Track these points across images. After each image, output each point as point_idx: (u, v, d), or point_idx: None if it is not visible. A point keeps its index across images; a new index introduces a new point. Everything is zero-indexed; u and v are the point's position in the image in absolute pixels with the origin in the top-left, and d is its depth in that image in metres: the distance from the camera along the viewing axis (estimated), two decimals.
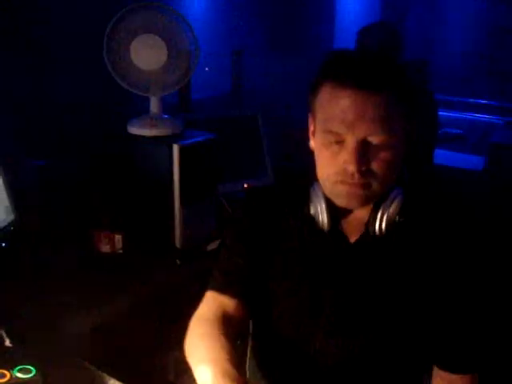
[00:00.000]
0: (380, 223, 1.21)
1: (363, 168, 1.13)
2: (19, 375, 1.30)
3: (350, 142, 1.12)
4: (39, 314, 1.54)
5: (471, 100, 4.99)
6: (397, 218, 1.21)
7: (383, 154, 1.14)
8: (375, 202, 1.22)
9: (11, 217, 1.97)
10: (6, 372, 1.30)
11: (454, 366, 1.31)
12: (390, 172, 1.16)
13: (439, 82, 4.28)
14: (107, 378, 1.34)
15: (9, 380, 1.29)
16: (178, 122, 2.21)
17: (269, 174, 2.68)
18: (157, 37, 2.04)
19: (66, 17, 2.30)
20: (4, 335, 1.43)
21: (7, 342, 1.41)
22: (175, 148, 2.01)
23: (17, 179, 2.00)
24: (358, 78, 1.10)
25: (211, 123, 2.44)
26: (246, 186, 2.52)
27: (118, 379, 1.34)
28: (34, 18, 2.21)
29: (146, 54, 2.06)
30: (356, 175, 1.13)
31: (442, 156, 3.55)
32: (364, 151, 1.12)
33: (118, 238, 2.00)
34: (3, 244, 1.89)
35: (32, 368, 1.31)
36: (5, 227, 1.93)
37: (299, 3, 3.79)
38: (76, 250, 1.93)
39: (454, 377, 1.30)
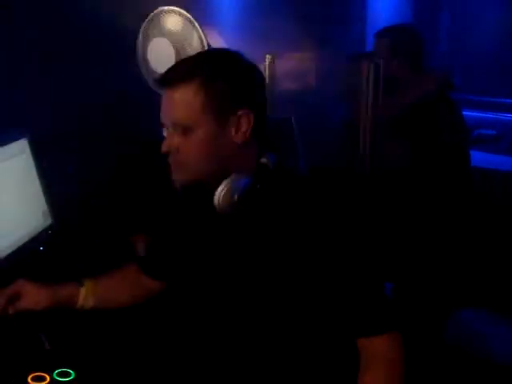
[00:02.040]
0: (218, 199, 1.31)
1: (170, 148, 1.32)
2: (59, 378, 1.32)
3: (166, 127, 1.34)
4: (77, 318, 1.55)
5: (505, 100, 4.91)
6: (235, 196, 1.30)
7: (183, 137, 1.31)
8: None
9: (49, 221, 2.00)
10: (45, 375, 1.32)
11: (363, 329, 1.34)
12: (194, 150, 1.30)
13: (472, 83, 4.22)
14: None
15: (48, 383, 1.31)
16: None
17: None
18: (166, 40, 2.08)
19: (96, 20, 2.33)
20: (43, 338, 1.44)
21: (46, 345, 1.43)
22: None
23: (53, 184, 2.03)
24: (162, 78, 1.33)
25: None
26: None
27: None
28: (64, 23, 2.24)
29: (159, 57, 2.11)
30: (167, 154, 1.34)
31: (477, 158, 3.49)
32: (172, 135, 1.32)
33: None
34: (41, 248, 1.92)
35: (71, 371, 1.32)
36: (42, 231, 1.96)
37: (330, 4, 3.78)
38: (114, 254, 1.94)
39: (372, 341, 1.33)
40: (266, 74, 3.07)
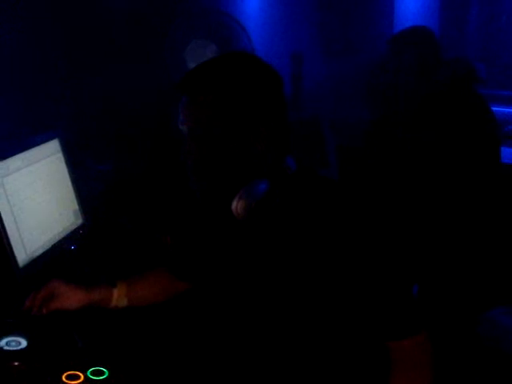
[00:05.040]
0: (235, 206, 1.29)
1: (188, 156, 1.33)
2: (92, 377, 1.33)
3: None
4: (110, 317, 1.56)
5: None
6: (253, 203, 1.27)
7: (201, 144, 1.31)
8: None
9: (80, 220, 2.02)
10: (79, 374, 1.33)
11: (392, 333, 1.32)
12: (212, 158, 1.30)
13: (503, 78, 4.16)
14: None
15: (82, 381, 1.32)
16: None
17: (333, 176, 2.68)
18: (210, 42, 2.07)
19: (128, 20, 2.34)
20: (77, 337, 1.46)
21: (80, 344, 1.44)
22: None
23: (85, 184, 2.05)
24: (180, 84, 1.32)
25: None
26: None
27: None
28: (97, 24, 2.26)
29: (200, 59, 2.10)
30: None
31: (508, 154, 3.43)
32: (190, 143, 1.32)
33: None
34: (72, 247, 1.94)
35: (105, 370, 1.33)
36: (74, 231, 1.98)
37: (358, 3, 3.76)
38: (144, 253, 1.95)
39: (401, 344, 1.32)
40: (292, 73, 3.07)
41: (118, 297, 1.56)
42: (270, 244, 1.35)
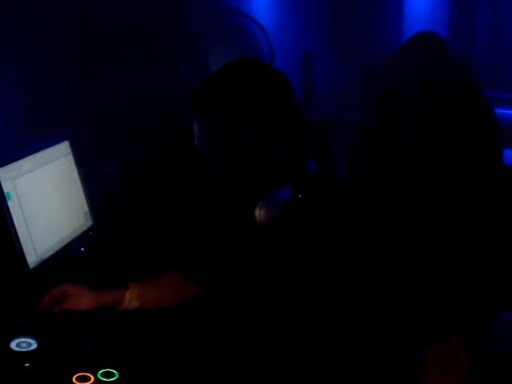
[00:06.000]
0: (258, 212, 1.28)
1: (211, 168, 1.33)
2: (103, 378, 1.33)
3: None
4: (121, 319, 1.57)
5: None
6: (276, 209, 1.27)
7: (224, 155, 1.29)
8: None
9: (90, 222, 2.02)
10: (90, 375, 1.34)
11: (427, 339, 1.30)
12: (234, 167, 1.28)
13: (508, 81, 4.16)
14: None
15: (93, 383, 1.33)
16: None
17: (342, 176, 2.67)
18: (233, 45, 2.06)
19: (139, 19, 2.35)
20: (87, 339, 1.46)
21: (90, 346, 1.45)
22: None
23: (95, 186, 2.06)
24: (193, 102, 1.30)
25: None
26: None
27: None
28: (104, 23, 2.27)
29: (223, 62, 2.08)
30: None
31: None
32: (211, 155, 1.31)
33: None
34: (82, 249, 1.95)
35: (115, 372, 1.34)
36: (84, 232, 1.98)
37: (366, 4, 3.76)
38: (154, 255, 1.95)
39: (436, 349, 1.30)
40: (303, 73, 3.07)
41: (130, 299, 1.56)
42: (294, 250, 1.33)
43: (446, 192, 2.54)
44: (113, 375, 1.33)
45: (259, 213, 1.27)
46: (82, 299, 1.52)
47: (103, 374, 1.34)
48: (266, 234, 1.36)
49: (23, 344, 1.44)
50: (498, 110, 2.91)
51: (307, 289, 1.31)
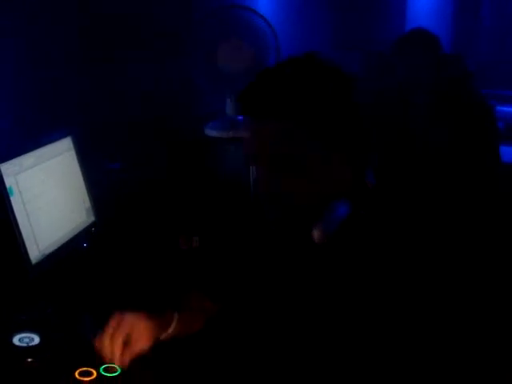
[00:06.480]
0: (317, 233, 1.18)
1: (269, 188, 1.21)
2: (105, 373, 1.33)
3: None
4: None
5: None
6: (336, 228, 1.17)
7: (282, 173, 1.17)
8: None
9: (92, 218, 2.02)
10: (92, 370, 1.34)
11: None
12: (295, 187, 1.17)
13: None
14: None
15: (95, 378, 1.33)
16: None
17: None
18: (242, 41, 2.07)
19: (143, 18, 2.34)
20: (90, 333, 1.46)
21: (93, 341, 1.44)
22: None
23: (97, 182, 2.06)
24: (245, 105, 1.18)
25: None
26: None
27: None
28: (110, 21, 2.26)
29: (232, 58, 2.08)
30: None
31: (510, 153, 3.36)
32: (266, 172, 1.20)
33: (195, 239, 2.02)
34: (84, 245, 1.95)
35: (117, 367, 1.33)
36: (86, 229, 1.98)
37: (371, 4, 3.75)
38: (156, 252, 1.95)
39: None
40: None
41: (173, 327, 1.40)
42: (353, 270, 1.17)
43: (447, 193, 2.53)
44: (115, 370, 1.33)
45: (317, 233, 1.17)
46: (149, 337, 1.34)
47: (106, 369, 1.33)
48: (322, 254, 1.21)
49: (26, 339, 1.44)
50: (503, 108, 2.90)
51: (363, 313, 1.14)
